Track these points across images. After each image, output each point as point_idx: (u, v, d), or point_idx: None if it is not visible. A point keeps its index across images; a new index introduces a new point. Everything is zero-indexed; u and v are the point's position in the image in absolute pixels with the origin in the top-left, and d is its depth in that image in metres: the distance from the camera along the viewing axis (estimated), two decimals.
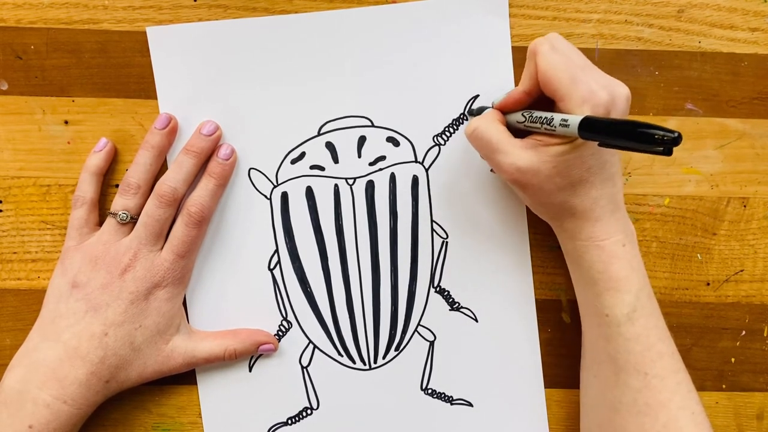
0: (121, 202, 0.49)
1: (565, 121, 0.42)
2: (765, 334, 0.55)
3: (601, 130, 0.39)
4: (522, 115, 0.47)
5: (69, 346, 0.48)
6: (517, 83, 0.52)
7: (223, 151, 0.51)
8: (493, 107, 0.50)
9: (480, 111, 0.51)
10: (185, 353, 0.51)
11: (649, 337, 0.46)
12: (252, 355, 0.53)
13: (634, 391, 0.45)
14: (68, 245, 0.50)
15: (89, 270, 0.49)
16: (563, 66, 0.44)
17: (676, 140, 0.36)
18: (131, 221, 0.49)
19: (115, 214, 0.49)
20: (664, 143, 0.36)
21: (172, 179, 0.49)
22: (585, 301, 0.48)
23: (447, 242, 0.53)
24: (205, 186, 0.50)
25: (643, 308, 0.46)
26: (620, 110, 0.44)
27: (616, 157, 0.46)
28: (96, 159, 0.51)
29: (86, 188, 0.50)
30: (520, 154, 0.45)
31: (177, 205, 0.50)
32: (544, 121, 0.44)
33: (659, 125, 0.36)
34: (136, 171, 0.50)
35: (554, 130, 0.43)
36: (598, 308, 0.47)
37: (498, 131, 0.46)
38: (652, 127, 0.36)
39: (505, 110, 0.48)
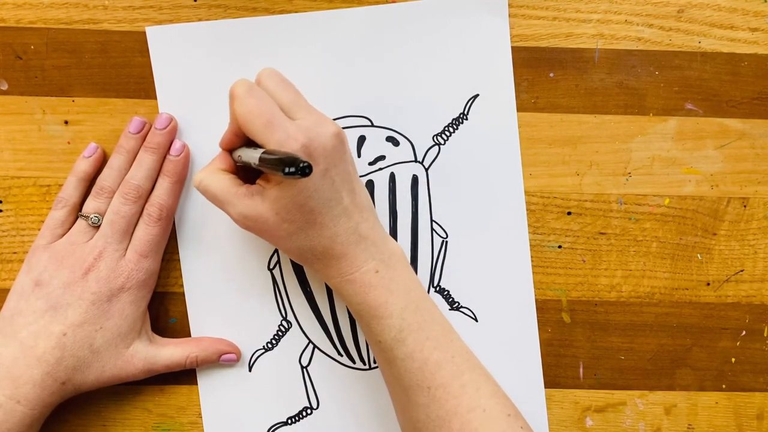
0: (93, 205, 0.50)
1: (254, 159, 0.42)
2: (765, 334, 0.55)
3: (268, 165, 0.41)
4: (237, 155, 0.46)
5: (25, 345, 0.47)
6: (516, 83, 0.53)
7: (173, 148, 0.51)
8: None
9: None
10: (146, 359, 0.50)
11: (422, 351, 0.45)
12: (214, 363, 0.53)
13: (423, 407, 0.45)
14: (38, 243, 0.50)
15: (54, 269, 0.48)
16: (258, 111, 0.43)
17: (303, 169, 0.38)
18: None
19: (87, 217, 0.49)
20: (296, 173, 0.38)
21: (134, 177, 0.50)
22: (363, 330, 0.48)
23: (447, 242, 0.53)
24: (161, 184, 0.50)
25: (410, 326, 0.46)
26: (327, 150, 0.44)
27: (342, 193, 0.45)
28: (84, 165, 0.51)
29: (71, 192, 0.50)
30: (245, 203, 0.45)
31: (143, 201, 0.50)
32: (245, 162, 0.45)
33: (294, 159, 0.38)
34: (109, 175, 0.50)
35: (260, 167, 0.43)
36: (370, 337, 0.47)
37: (221, 181, 0.46)
38: (288, 163, 0.38)
39: (225, 149, 0.48)
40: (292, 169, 0.38)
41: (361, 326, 0.48)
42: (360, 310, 0.46)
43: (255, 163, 0.42)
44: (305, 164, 0.38)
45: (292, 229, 0.45)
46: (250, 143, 0.46)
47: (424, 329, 0.46)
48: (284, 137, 0.42)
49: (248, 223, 0.45)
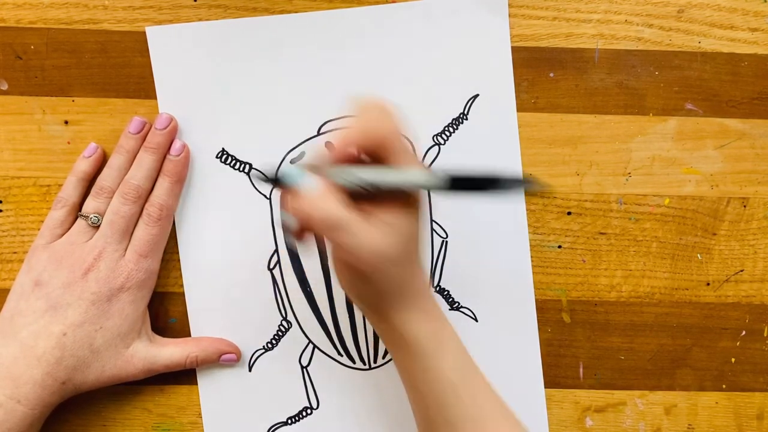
0: (93, 205, 0.50)
1: (427, 177, 0.39)
2: (765, 334, 0.55)
3: (470, 186, 0.38)
4: (358, 177, 0.40)
5: (25, 344, 0.47)
6: (516, 83, 0.52)
7: (173, 148, 0.51)
8: (312, 164, 0.41)
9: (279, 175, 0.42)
10: (146, 358, 0.50)
11: (486, 391, 0.45)
12: (214, 363, 0.53)
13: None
14: (37, 243, 0.50)
15: (53, 269, 0.49)
16: (399, 130, 0.41)
17: (530, 184, 0.36)
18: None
19: (86, 216, 0.49)
20: (528, 190, 0.36)
21: (134, 177, 0.50)
22: (416, 373, 0.44)
23: (447, 242, 0.53)
24: (161, 184, 0.50)
25: (467, 373, 0.44)
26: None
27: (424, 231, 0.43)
28: (84, 165, 0.51)
29: (71, 192, 0.50)
30: (370, 233, 0.39)
31: (142, 201, 0.50)
32: (378, 183, 0.40)
33: (519, 179, 0.37)
34: (109, 175, 0.50)
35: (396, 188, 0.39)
36: (416, 373, 0.44)
37: (337, 206, 0.39)
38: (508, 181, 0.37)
39: (335, 163, 0.41)
40: (525, 187, 0.36)
41: (415, 369, 0.44)
42: (427, 348, 0.43)
43: (440, 184, 0.38)
44: (539, 185, 0.36)
45: (404, 260, 0.41)
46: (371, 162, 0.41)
47: (476, 375, 0.45)
48: (420, 161, 0.41)
49: (368, 257, 0.39)
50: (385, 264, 0.40)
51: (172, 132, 0.51)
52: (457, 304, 0.53)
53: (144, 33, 0.51)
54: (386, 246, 0.40)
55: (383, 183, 0.40)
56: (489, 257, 0.53)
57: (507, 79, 0.52)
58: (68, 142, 0.52)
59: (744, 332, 0.54)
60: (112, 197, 0.50)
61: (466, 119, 0.53)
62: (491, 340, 0.53)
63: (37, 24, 0.51)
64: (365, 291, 0.42)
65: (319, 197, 0.40)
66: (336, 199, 0.40)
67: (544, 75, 0.53)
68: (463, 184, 0.37)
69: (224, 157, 0.52)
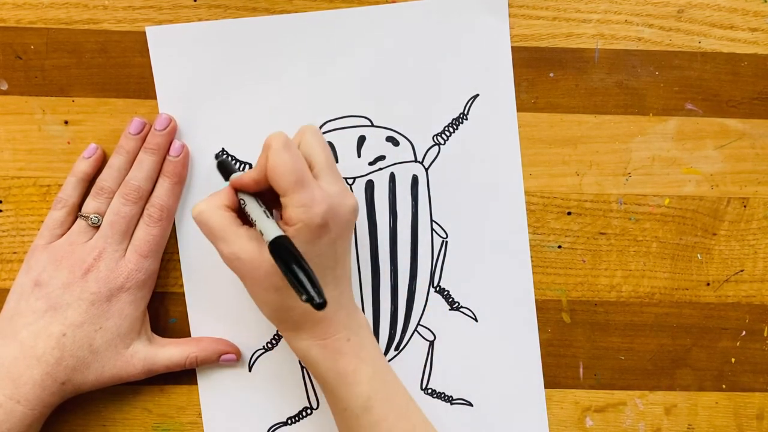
0: (93, 205, 0.50)
1: (262, 233, 0.42)
2: (765, 334, 0.55)
3: (285, 260, 0.40)
4: (242, 200, 0.45)
5: (25, 345, 0.47)
6: (516, 83, 0.53)
7: (173, 148, 0.51)
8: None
9: (224, 165, 0.49)
10: (145, 359, 0.50)
11: (387, 420, 0.46)
12: (214, 363, 0.53)
13: None
14: (37, 243, 0.50)
15: (53, 269, 0.49)
16: (291, 167, 0.42)
17: (320, 306, 0.38)
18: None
19: (86, 217, 0.49)
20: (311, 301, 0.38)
21: (135, 177, 0.50)
22: (327, 396, 0.48)
23: (447, 242, 0.53)
24: (162, 185, 0.50)
25: (378, 394, 0.46)
26: (342, 222, 0.44)
27: (338, 264, 0.45)
28: (84, 165, 0.51)
29: (70, 192, 0.50)
30: (243, 244, 0.43)
31: (143, 202, 0.50)
32: (251, 219, 0.44)
33: (316, 289, 0.39)
34: (109, 175, 0.50)
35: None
36: (336, 404, 0.47)
37: (222, 218, 0.44)
38: (307, 290, 0.39)
39: (235, 189, 0.46)
40: (306, 298, 0.38)
41: (326, 393, 0.47)
42: (327, 377, 0.46)
43: (266, 240, 0.42)
44: (321, 302, 0.38)
45: (280, 285, 0.44)
46: (268, 198, 0.45)
47: (390, 398, 0.46)
48: (309, 199, 0.42)
49: (236, 264, 0.44)
50: (256, 274, 0.43)
51: (172, 132, 0.51)
52: (457, 304, 0.53)
53: (144, 33, 0.51)
54: (255, 259, 0.43)
55: (254, 221, 0.44)
56: (489, 257, 0.53)
57: (507, 79, 0.52)
58: (68, 142, 0.52)
59: (744, 332, 0.54)
60: (112, 198, 0.50)
61: (466, 119, 0.53)
62: (491, 340, 0.53)
63: (37, 24, 0.51)
64: (255, 301, 0.46)
65: (210, 209, 0.45)
66: (223, 215, 0.44)
67: (544, 75, 0.53)
68: (283, 259, 0.40)
69: (224, 157, 0.52)
